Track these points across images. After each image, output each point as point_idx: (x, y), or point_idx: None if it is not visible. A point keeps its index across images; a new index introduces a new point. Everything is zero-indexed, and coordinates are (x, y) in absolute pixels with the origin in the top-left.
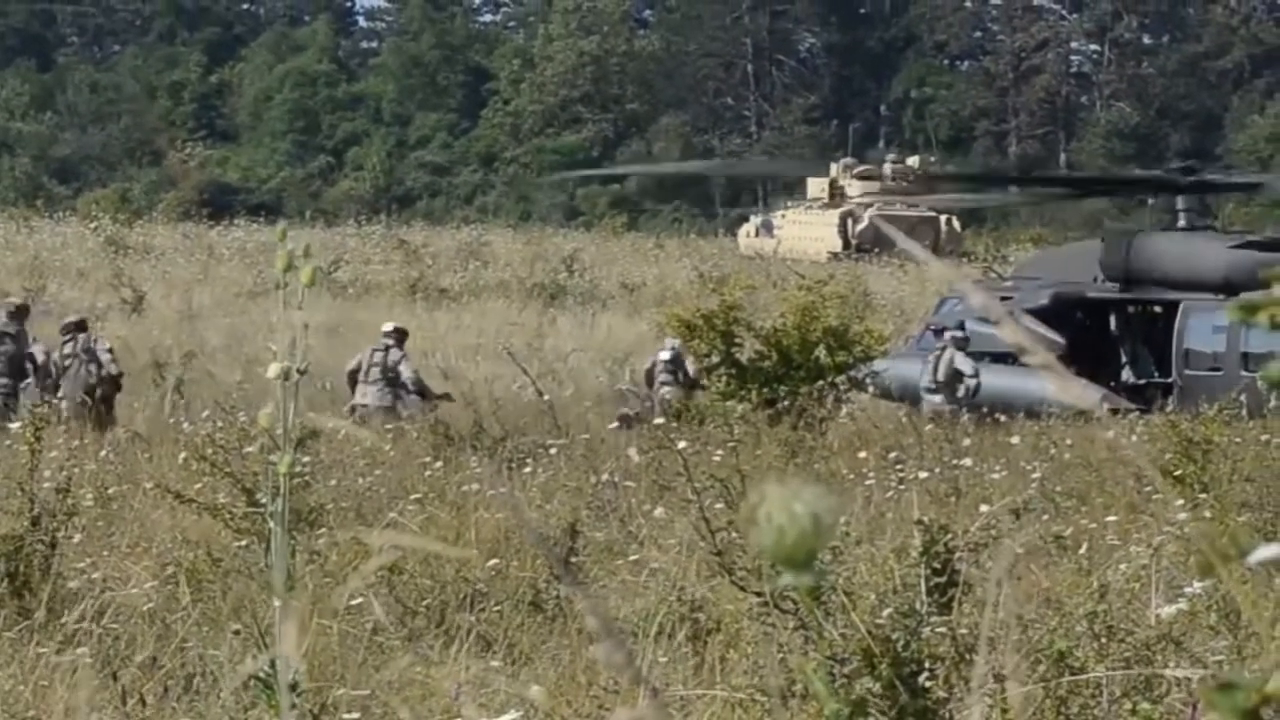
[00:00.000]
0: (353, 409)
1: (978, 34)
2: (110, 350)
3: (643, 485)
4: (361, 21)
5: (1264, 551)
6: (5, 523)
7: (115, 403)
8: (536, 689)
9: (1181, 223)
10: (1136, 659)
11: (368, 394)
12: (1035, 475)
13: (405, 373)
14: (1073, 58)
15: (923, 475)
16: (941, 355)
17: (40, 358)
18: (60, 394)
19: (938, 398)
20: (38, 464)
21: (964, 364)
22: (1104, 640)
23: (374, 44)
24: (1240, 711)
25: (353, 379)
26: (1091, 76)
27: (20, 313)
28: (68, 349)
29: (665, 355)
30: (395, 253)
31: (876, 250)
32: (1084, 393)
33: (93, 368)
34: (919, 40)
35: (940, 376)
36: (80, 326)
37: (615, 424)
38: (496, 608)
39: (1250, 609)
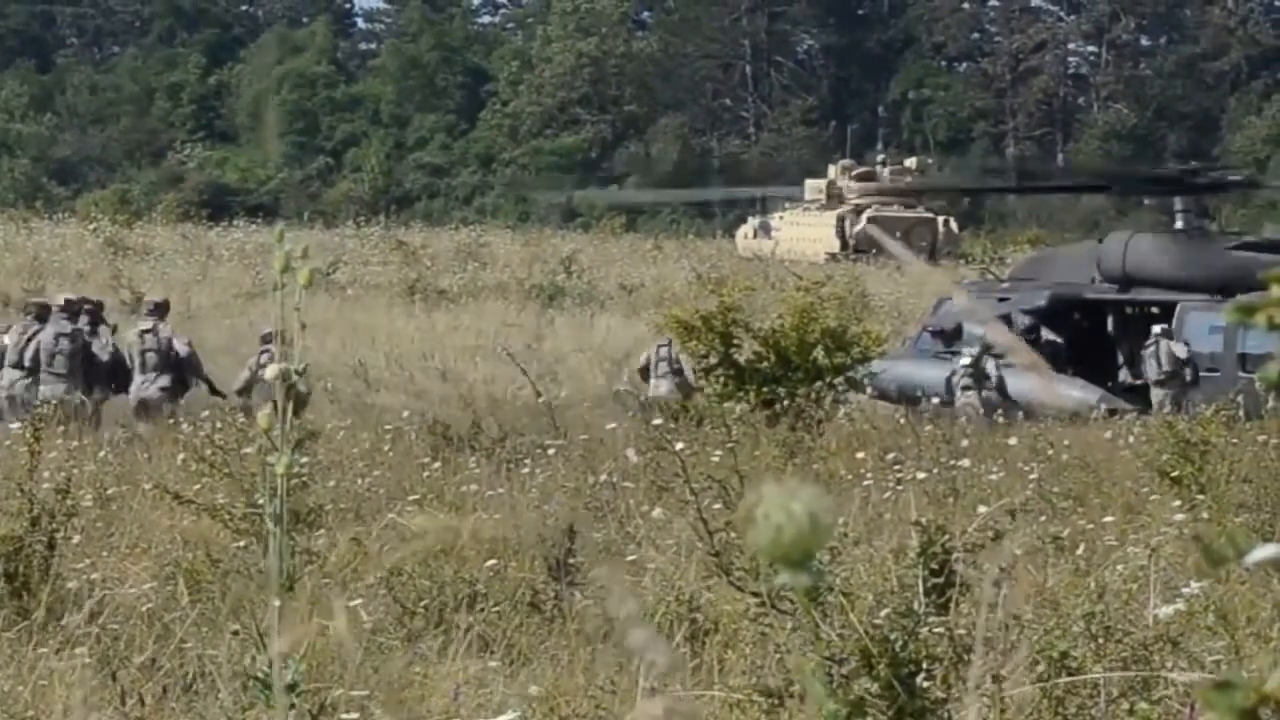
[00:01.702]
0: (644, 402)
1: (975, 35)
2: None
3: (641, 486)
4: (360, 23)
5: (1262, 552)
6: (4, 523)
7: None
8: (533, 689)
9: (1179, 224)
10: (1134, 659)
11: (660, 387)
12: (1033, 476)
13: (685, 365)
14: (1070, 59)
15: (920, 476)
16: (1159, 348)
17: (184, 350)
18: (252, 397)
19: (1163, 391)
20: (37, 464)
21: (1181, 350)
22: (1101, 641)
23: (372, 45)
24: (1238, 711)
25: (644, 374)
26: (1089, 78)
27: (160, 309)
28: (264, 358)
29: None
30: (394, 254)
31: (874, 252)
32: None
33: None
34: (917, 42)
35: (1166, 367)
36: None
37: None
38: (495, 608)
39: (1248, 609)
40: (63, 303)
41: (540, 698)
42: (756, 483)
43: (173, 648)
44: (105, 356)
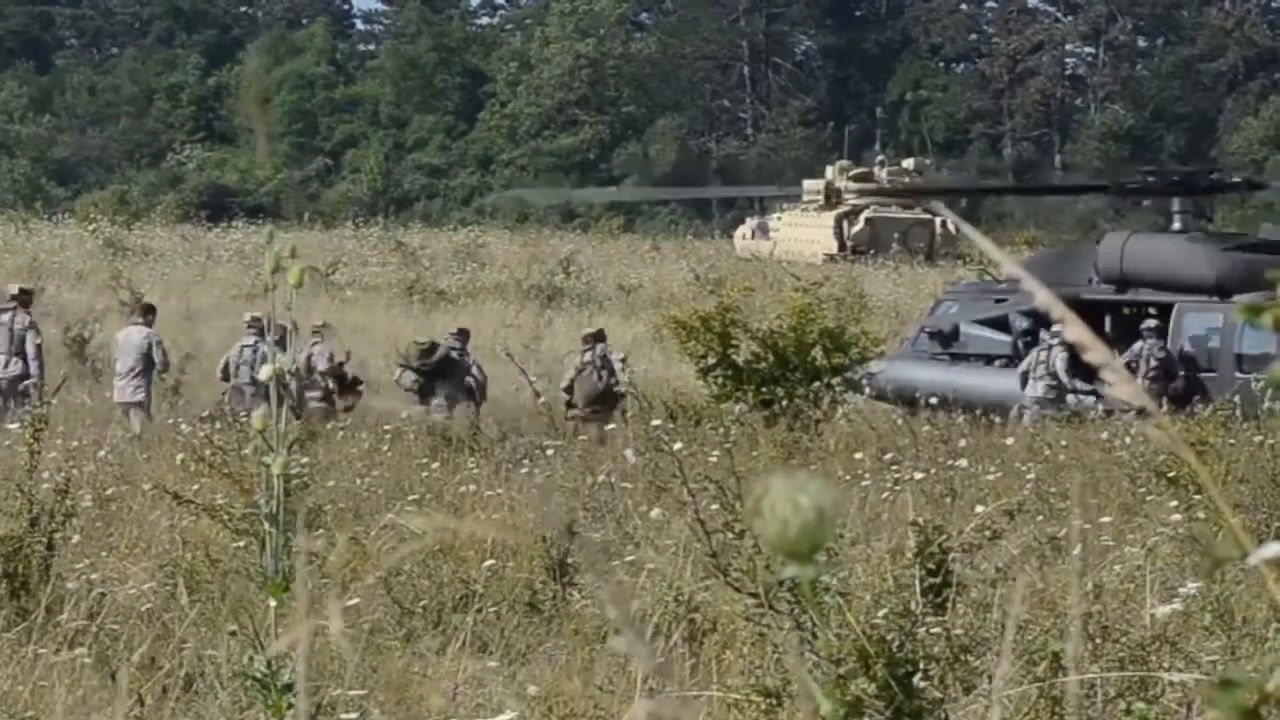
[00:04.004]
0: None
1: (973, 37)
2: (623, 360)
3: (639, 486)
4: (359, 24)
5: (1265, 551)
6: (4, 523)
7: (622, 409)
8: (531, 689)
9: (1176, 225)
10: (1131, 659)
11: (1038, 389)
12: (1030, 476)
13: (1059, 367)
14: (1067, 60)
15: (918, 476)
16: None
17: (479, 374)
18: (574, 398)
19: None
20: (36, 465)
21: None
22: (1099, 641)
23: (371, 46)
24: (1241, 710)
25: (1024, 379)
26: (1086, 79)
27: (462, 335)
28: (587, 356)
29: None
30: (393, 254)
31: (872, 252)
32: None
33: (604, 374)
34: (914, 43)
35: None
36: (599, 337)
37: None
38: (493, 608)
39: (1245, 610)
40: (249, 319)
41: (538, 698)
42: (754, 483)
43: (172, 647)
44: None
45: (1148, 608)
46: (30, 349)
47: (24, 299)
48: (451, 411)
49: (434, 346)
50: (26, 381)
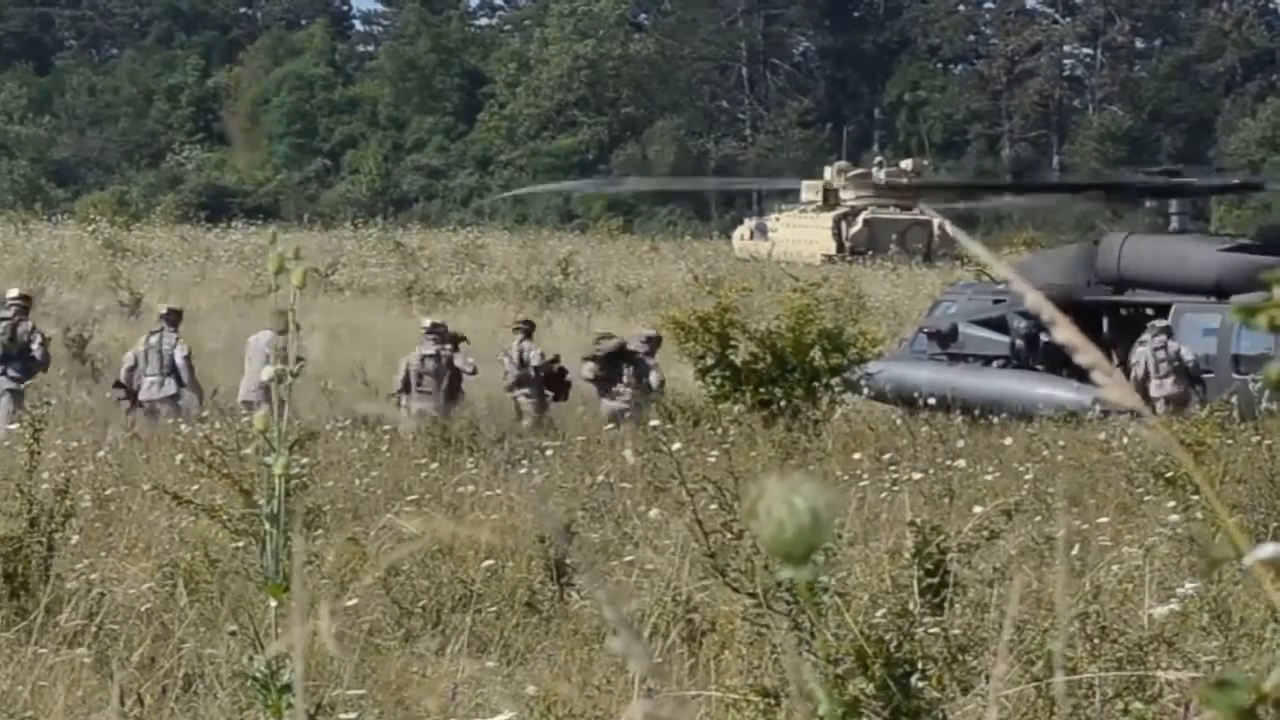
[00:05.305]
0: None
1: (971, 38)
2: None
3: (638, 487)
4: (358, 25)
5: (1261, 552)
6: (4, 524)
7: None
8: (530, 689)
9: (1173, 225)
10: (1129, 659)
11: (1165, 386)
12: (1028, 477)
13: (1186, 355)
14: (1065, 61)
15: (916, 477)
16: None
17: (656, 381)
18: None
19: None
20: (36, 465)
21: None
22: (1097, 641)
23: (370, 47)
24: (1237, 710)
25: (1142, 383)
26: (1084, 80)
27: (653, 342)
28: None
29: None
30: (391, 255)
31: (870, 253)
32: (1070, 394)
33: None
34: (913, 44)
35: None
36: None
37: None
38: (492, 608)
39: (1242, 610)
40: (429, 326)
41: (536, 698)
42: (752, 484)
43: (171, 647)
44: (469, 370)
45: (1145, 608)
46: (180, 361)
47: (173, 318)
48: (632, 407)
49: (610, 336)
50: (180, 400)
